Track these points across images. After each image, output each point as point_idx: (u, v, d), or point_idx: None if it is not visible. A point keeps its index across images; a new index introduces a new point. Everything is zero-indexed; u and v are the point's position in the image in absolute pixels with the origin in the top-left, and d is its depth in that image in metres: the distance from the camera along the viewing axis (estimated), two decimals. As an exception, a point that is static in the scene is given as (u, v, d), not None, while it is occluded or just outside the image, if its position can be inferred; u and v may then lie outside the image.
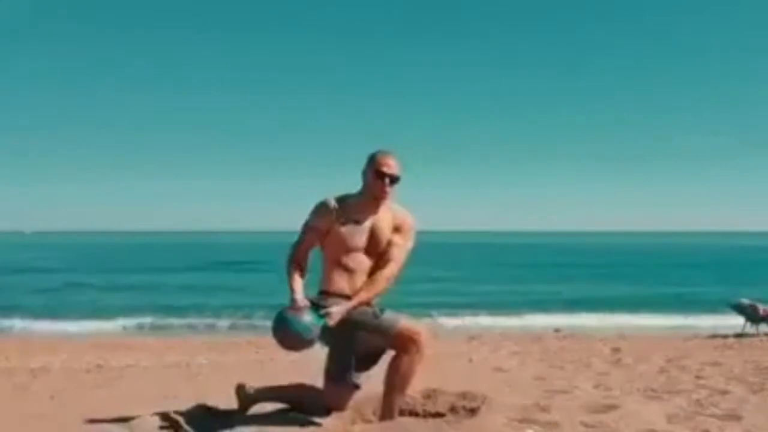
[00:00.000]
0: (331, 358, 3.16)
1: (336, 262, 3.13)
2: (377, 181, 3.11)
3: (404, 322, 3.06)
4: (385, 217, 3.18)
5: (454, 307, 16.04)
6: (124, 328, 13.87)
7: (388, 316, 3.07)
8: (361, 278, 3.13)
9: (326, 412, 3.18)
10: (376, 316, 3.05)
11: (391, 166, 3.13)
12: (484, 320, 14.70)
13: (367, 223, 3.14)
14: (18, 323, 14.16)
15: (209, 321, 14.85)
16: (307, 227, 3.17)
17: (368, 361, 3.18)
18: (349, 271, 3.13)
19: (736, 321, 10.32)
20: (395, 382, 3.09)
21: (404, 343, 3.03)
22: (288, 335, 2.94)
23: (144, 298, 20.84)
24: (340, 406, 3.18)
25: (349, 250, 3.12)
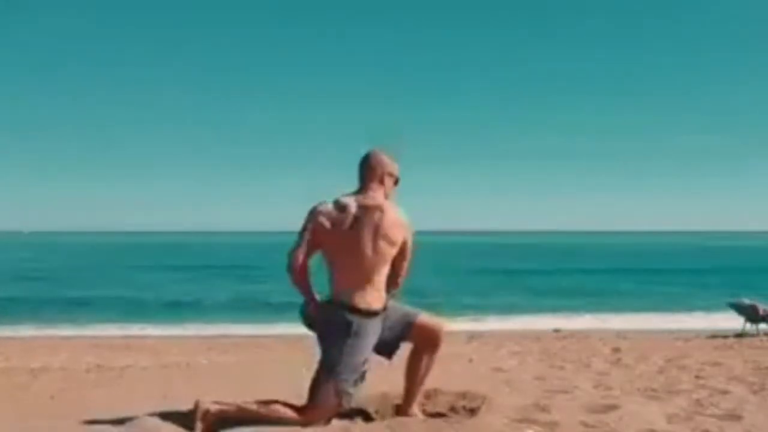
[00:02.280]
0: (339, 357, 2.98)
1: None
2: (395, 187, 3.18)
3: (425, 314, 3.18)
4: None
5: (454, 307, 16.05)
6: (124, 328, 13.87)
7: (408, 307, 3.19)
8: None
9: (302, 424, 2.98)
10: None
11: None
12: (484, 320, 14.73)
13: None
14: (17, 323, 14.16)
15: (209, 321, 14.84)
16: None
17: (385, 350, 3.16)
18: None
19: (736, 321, 10.31)
20: (420, 376, 3.18)
21: (427, 334, 3.14)
22: None
23: (144, 298, 20.86)
24: (325, 415, 2.99)
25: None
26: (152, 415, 3.21)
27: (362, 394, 3.43)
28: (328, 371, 2.98)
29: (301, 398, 3.65)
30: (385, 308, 3.07)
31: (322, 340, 3.04)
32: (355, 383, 3.00)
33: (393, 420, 3.12)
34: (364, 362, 3.01)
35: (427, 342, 3.17)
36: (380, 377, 3.40)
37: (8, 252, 58.25)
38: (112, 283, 25.91)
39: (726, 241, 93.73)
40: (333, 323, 2.99)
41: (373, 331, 3.02)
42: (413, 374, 3.19)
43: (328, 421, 3.01)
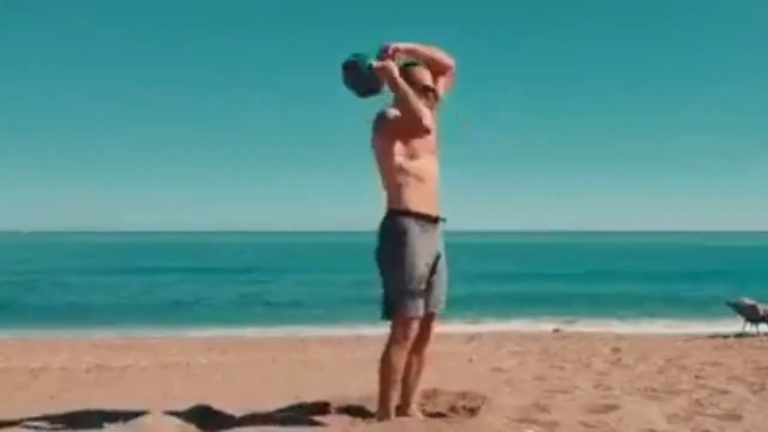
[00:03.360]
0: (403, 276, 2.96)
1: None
2: (422, 98, 3.03)
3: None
4: None
5: (454, 307, 16.03)
6: (124, 328, 13.85)
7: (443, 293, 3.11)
8: (431, 187, 3.05)
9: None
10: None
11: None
12: (484, 320, 14.71)
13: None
14: (17, 323, 14.15)
15: (209, 321, 14.83)
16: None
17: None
18: (421, 189, 3.02)
19: (736, 321, 10.31)
20: (412, 372, 3.14)
21: (396, 335, 2.99)
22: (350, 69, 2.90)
23: (144, 298, 20.85)
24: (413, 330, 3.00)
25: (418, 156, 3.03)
26: (152, 414, 3.21)
27: (362, 395, 3.44)
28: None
29: (298, 398, 3.66)
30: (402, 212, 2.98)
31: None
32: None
33: (393, 420, 3.12)
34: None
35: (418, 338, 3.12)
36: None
37: (7, 252, 58.22)
38: (111, 283, 25.88)
39: (726, 241, 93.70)
40: None
41: (402, 231, 2.96)
42: (406, 372, 3.15)
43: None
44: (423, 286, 2.98)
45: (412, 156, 2.99)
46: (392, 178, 2.98)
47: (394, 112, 2.98)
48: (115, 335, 12.32)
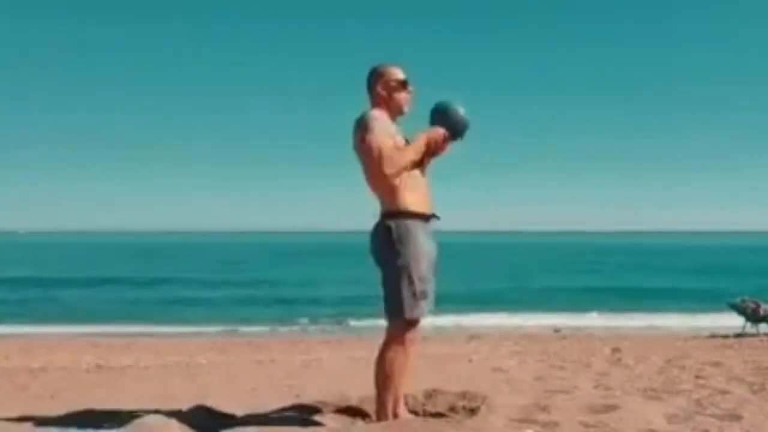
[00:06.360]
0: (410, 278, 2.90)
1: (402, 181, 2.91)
2: (403, 91, 3.03)
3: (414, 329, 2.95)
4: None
5: (455, 307, 16.05)
6: (124, 327, 13.86)
7: (423, 303, 2.93)
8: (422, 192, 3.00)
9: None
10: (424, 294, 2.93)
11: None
12: (484, 320, 14.73)
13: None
14: (17, 323, 14.16)
15: (209, 321, 14.84)
16: (381, 137, 2.85)
17: None
18: (416, 188, 2.97)
19: (736, 321, 10.32)
20: (381, 380, 2.96)
21: (396, 336, 2.93)
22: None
23: (144, 297, 20.86)
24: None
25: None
26: (152, 414, 3.21)
27: (361, 395, 3.43)
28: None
29: (298, 398, 3.66)
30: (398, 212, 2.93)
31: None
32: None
33: (393, 420, 3.12)
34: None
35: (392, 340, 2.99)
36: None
37: (5, 252, 58.21)
38: (111, 282, 25.89)
39: (726, 241, 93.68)
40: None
41: (405, 232, 2.92)
42: (378, 377, 2.99)
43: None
44: (425, 287, 2.94)
45: None
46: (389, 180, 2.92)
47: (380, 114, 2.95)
48: (116, 334, 12.34)
